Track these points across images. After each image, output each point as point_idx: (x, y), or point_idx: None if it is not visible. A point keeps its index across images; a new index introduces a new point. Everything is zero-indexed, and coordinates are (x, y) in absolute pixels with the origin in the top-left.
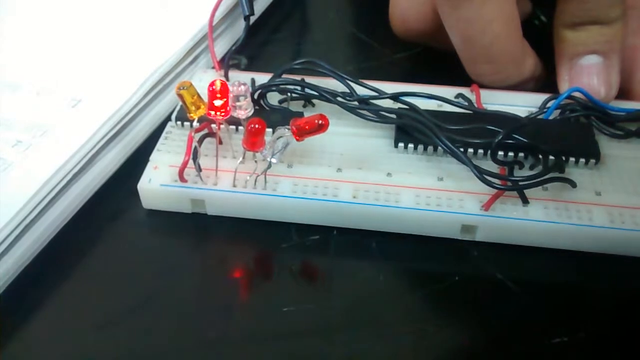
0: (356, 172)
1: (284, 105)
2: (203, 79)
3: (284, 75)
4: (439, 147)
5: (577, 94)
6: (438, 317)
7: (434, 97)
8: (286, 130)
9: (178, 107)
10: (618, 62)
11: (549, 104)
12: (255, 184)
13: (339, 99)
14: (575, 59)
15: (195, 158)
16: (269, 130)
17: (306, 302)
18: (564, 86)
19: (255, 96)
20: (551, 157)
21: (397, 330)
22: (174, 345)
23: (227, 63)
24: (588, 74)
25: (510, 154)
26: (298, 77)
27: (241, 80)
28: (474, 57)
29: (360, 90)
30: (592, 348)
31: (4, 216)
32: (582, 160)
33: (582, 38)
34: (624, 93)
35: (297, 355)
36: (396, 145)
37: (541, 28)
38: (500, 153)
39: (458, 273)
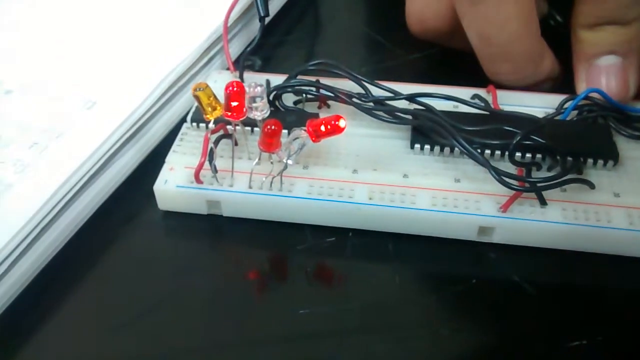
0: (372, 174)
1: (299, 106)
2: (218, 80)
3: (298, 77)
4: (456, 149)
5: (594, 95)
6: (454, 320)
7: (449, 98)
8: (302, 131)
9: (193, 109)
10: (637, 63)
11: (566, 105)
12: (271, 185)
13: (355, 100)
14: (592, 60)
15: (211, 159)
16: (285, 131)
17: (322, 305)
18: (581, 87)
19: (271, 97)
20: (569, 158)
21: (413, 333)
22: (189, 347)
23: (242, 64)
24: (606, 75)
25: (528, 155)
26: (313, 79)
27: (256, 81)
28: (491, 56)
29: (376, 91)
30: (611, 352)
31: (21, 218)
32: (601, 161)
33: (599, 38)
34: None
35: (312, 358)
36: (412, 147)
37: (557, 28)
38: (518, 154)
39: (475, 275)
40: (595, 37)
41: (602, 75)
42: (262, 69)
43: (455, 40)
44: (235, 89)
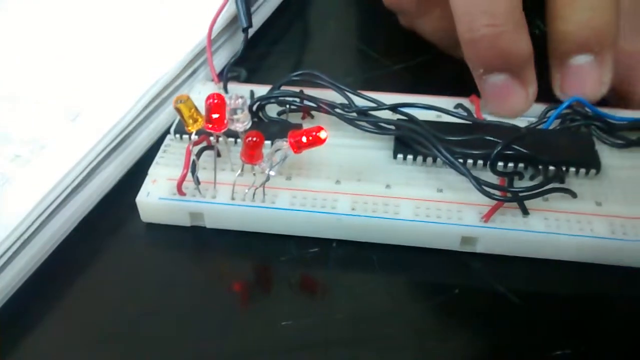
0: (355, 184)
1: (283, 117)
2: (202, 91)
3: (282, 87)
4: (438, 159)
5: (577, 104)
6: (438, 330)
7: (432, 108)
8: (284, 142)
9: (177, 120)
10: (609, 61)
11: (548, 114)
12: (253, 196)
13: (337, 110)
14: (565, 58)
15: (193, 171)
16: (268, 142)
17: (305, 316)
18: (556, 86)
19: (254, 108)
20: (551, 168)
21: (397, 344)
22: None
23: (226, 75)
24: (579, 74)
25: (510, 164)
26: (297, 89)
27: (239, 92)
28: (471, 8)
29: (359, 102)
30: None
31: (3, 230)
32: (583, 170)
33: (570, 32)
34: (624, 102)
35: None
36: (395, 157)
37: (541, 38)
38: (500, 164)
39: (458, 285)
40: (567, 31)
41: (574, 74)
42: (248, 80)
43: (429, 18)
44: (215, 101)
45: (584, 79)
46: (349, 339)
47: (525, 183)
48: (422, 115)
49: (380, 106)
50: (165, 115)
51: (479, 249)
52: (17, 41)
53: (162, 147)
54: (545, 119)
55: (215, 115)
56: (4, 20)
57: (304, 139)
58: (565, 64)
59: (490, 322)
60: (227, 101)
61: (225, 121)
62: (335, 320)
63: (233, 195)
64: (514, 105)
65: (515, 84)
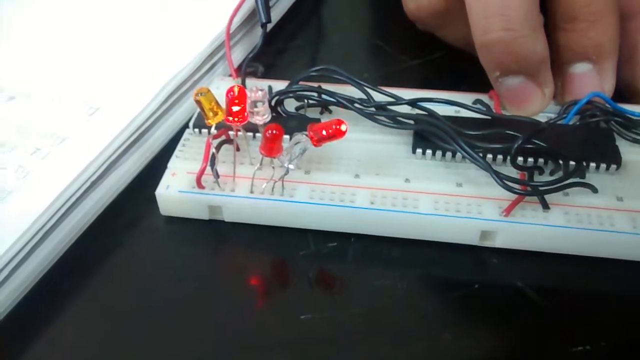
0: (374, 178)
1: (301, 112)
2: (220, 86)
3: (301, 82)
4: (458, 153)
5: (597, 99)
6: (457, 325)
7: (451, 103)
8: (304, 136)
9: (196, 115)
10: (610, 68)
11: (568, 109)
12: (272, 190)
13: (356, 105)
14: (566, 66)
15: (212, 165)
16: (286, 137)
17: (323, 310)
18: (557, 93)
19: (273, 103)
20: (571, 163)
21: (415, 339)
22: (191, 353)
23: (244, 71)
24: (579, 83)
25: (530, 159)
26: (315, 84)
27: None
28: (487, 8)
29: (378, 97)
30: (615, 357)
31: (23, 223)
32: (603, 165)
33: (569, 42)
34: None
35: None
36: (414, 151)
37: None
38: (520, 158)
39: (477, 280)
40: (566, 41)
41: (575, 83)
42: (265, 75)
43: (450, 27)
44: (236, 93)
45: (584, 86)
46: (367, 333)
47: (546, 178)
48: (440, 110)
49: (399, 101)
50: (184, 110)
51: (499, 243)
52: (36, 36)
53: (181, 141)
54: (565, 115)
55: (236, 108)
56: (24, 18)
57: (324, 132)
58: (566, 72)
59: (509, 317)
60: (248, 93)
61: (246, 114)
62: (353, 315)
63: (252, 189)
64: (531, 106)
65: (531, 85)
